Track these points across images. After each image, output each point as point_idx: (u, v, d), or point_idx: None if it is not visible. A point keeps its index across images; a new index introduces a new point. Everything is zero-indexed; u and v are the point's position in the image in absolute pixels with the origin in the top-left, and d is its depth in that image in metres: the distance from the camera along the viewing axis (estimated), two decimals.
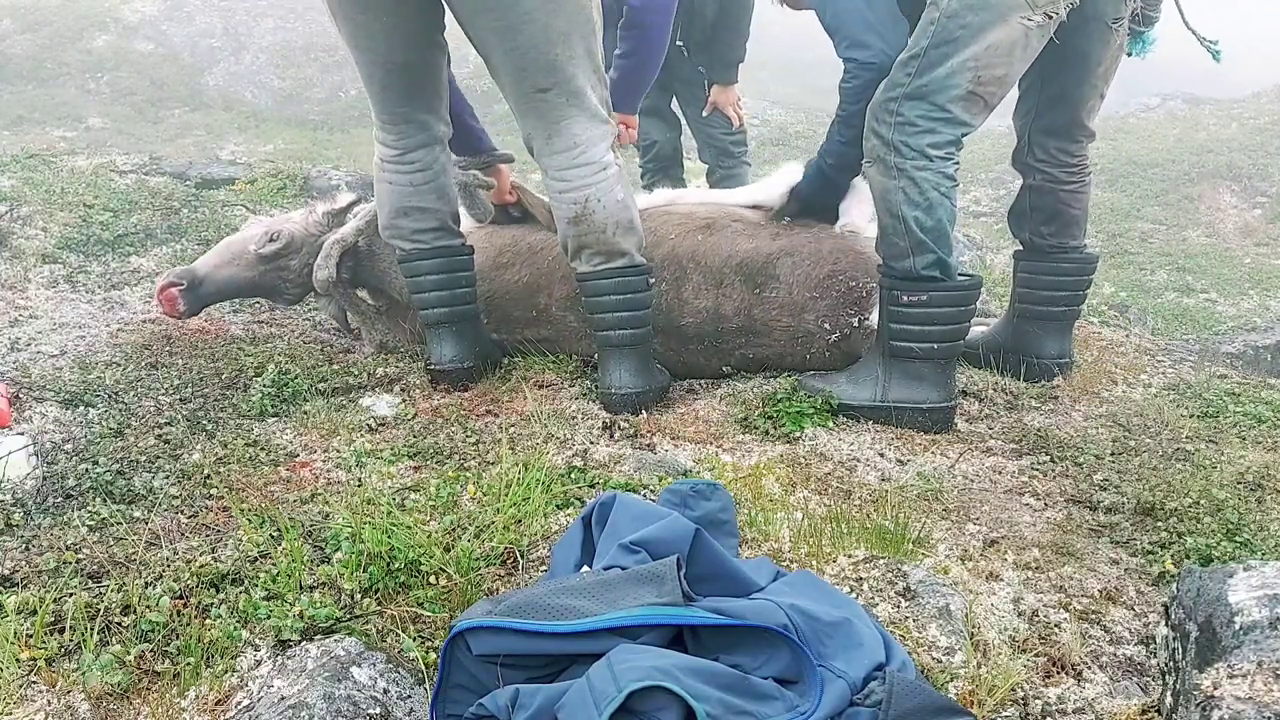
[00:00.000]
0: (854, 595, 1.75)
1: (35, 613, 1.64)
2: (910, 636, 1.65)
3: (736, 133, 4.57)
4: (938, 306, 2.62)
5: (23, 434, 2.29)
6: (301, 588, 1.74)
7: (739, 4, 4.23)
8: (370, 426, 2.61)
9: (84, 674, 1.52)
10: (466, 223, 3.21)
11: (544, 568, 1.88)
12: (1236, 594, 1.34)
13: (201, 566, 1.81)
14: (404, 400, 2.82)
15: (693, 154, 5.02)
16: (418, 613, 1.71)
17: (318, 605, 1.65)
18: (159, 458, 2.33)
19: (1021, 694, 1.56)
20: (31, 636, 1.60)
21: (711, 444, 2.57)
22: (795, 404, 2.71)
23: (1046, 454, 2.57)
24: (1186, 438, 2.67)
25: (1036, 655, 1.68)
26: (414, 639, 1.65)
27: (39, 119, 8.22)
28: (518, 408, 2.75)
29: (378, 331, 3.30)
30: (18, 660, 1.54)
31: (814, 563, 1.89)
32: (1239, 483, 2.34)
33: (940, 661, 1.60)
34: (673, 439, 2.59)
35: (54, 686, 1.52)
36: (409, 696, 1.51)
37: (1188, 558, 1.99)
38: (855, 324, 2.93)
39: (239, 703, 1.48)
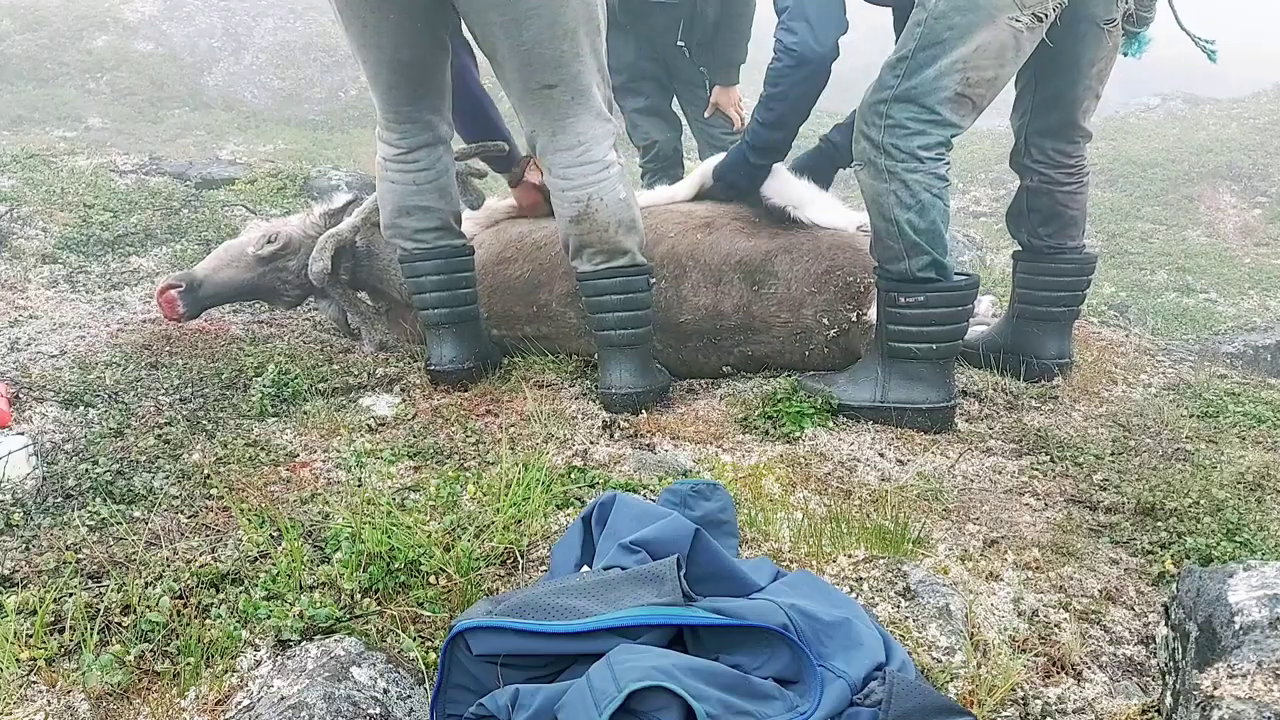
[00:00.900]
0: (854, 595, 1.75)
1: (35, 613, 1.64)
2: (910, 636, 1.65)
3: (737, 133, 4.57)
4: (935, 307, 2.62)
5: (23, 434, 2.29)
6: (301, 588, 1.74)
7: (741, 5, 4.23)
8: (370, 426, 2.61)
9: (84, 674, 1.52)
10: (468, 223, 3.21)
11: (544, 568, 1.88)
12: (1236, 594, 1.34)
13: (201, 566, 1.81)
14: (404, 400, 2.82)
15: (693, 154, 5.02)
16: (418, 613, 1.71)
17: (318, 605, 1.65)
18: (159, 458, 2.33)
19: (1021, 694, 1.56)
20: (31, 636, 1.60)
21: (711, 444, 2.57)
22: (795, 404, 2.71)
23: (1046, 454, 2.57)
24: (1186, 438, 2.67)
25: (1036, 655, 1.68)
26: (414, 639, 1.65)
27: (39, 119, 8.22)
28: (518, 408, 2.75)
29: (378, 332, 3.30)
30: (18, 660, 1.54)
31: (814, 563, 1.89)
32: (1239, 483, 2.34)
33: (940, 661, 1.60)
34: (673, 439, 2.59)
35: (54, 686, 1.52)
36: (409, 696, 1.51)
37: (1188, 558, 1.99)
38: (854, 319, 2.93)
39: (239, 703, 1.48)
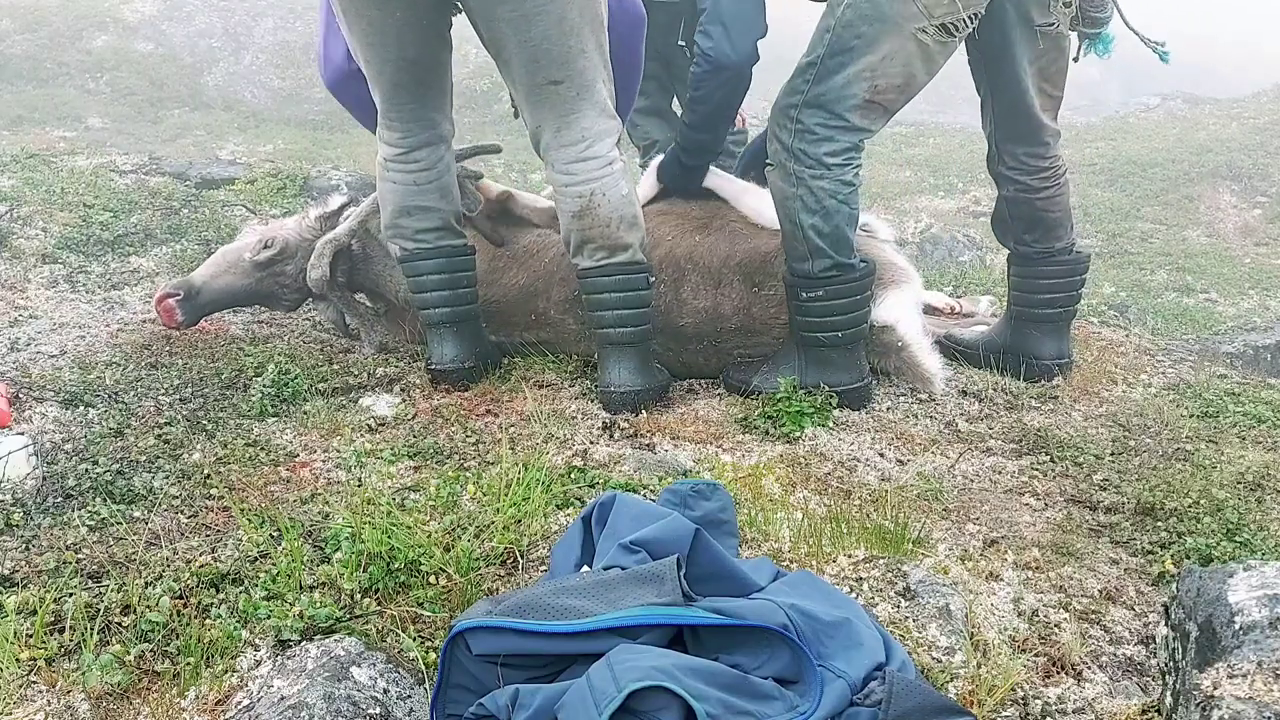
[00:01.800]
0: (854, 595, 1.75)
1: (35, 613, 1.64)
2: (910, 636, 1.65)
3: (737, 133, 4.56)
4: (836, 299, 2.73)
5: (23, 434, 2.29)
6: (301, 588, 1.74)
7: None
8: (370, 426, 2.61)
9: (84, 674, 1.52)
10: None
11: (544, 568, 1.88)
12: (1236, 594, 1.34)
13: (201, 566, 1.81)
14: (404, 400, 2.82)
15: None
16: (418, 613, 1.71)
17: (318, 605, 1.65)
18: (159, 458, 2.33)
19: (1021, 694, 1.56)
20: (31, 636, 1.60)
21: (711, 444, 2.57)
22: (795, 404, 2.71)
23: (1046, 454, 2.57)
24: (1186, 438, 2.67)
25: (1036, 655, 1.68)
26: (414, 639, 1.65)
27: (39, 119, 8.21)
28: (518, 408, 2.75)
29: (377, 333, 3.30)
30: (18, 660, 1.54)
31: (814, 563, 1.89)
32: (1239, 483, 2.34)
33: (940, 661, 1.60)
34: (673, 439, 2.59)
35: (54, 686, 1.52)
36: (409, 696, 1.51)
37: (1188, 558, 1.99)
38: None
39: (239, 703, 1.48)
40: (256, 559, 1.86)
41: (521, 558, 1.92)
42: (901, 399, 2.93)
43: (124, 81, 9.59)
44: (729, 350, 3.02)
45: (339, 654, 1.53)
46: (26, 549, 1.88)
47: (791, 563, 1.91)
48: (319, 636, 1.61)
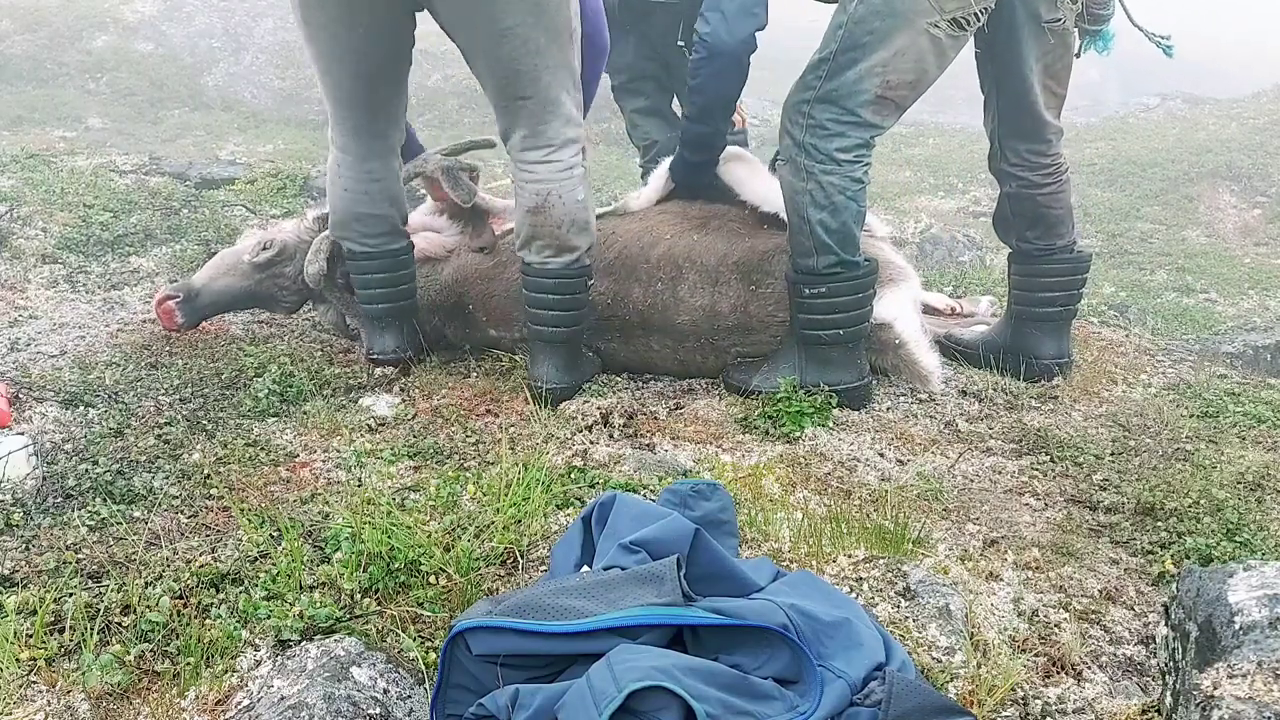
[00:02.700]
0: (854, 595, 1.75)
1: (35, 613, 1.64)
2: (910, 636, 1.65)
3: (738, 133, 4.55)
4: (838, 296, 2.73)
5: (23, 434, 2.29)
6: (301, 588, 1.74)
7: None
8: (370, 426, 2.61)
9: (84, 674, 1.52)
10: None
11: (544, 568, 1.88)
12: (1236, 594, 1.34)
13: (201, 566, 1.81)
14: (404, 400, 2.82)
15: None
16: (418, 613, 1.71)
17: (318, 605, 1.65)
18: (159, 458, 2.33)
19: (1021, 694, 1.56)
20: (31, 636, 1.60)
21: (711, 444, 2.57)
22: (795, 404, 2.71)
23: (1046, 454, 2.57)
24: (1186, 438, 2.67)
25: (1036, 655, 1.68)
26: (414, 639, 1.65)
27: (39, 119, 8.20)
28: (518, 408, 2.75)
29: None
30: (18, 660, 1.54)
31: (814, 563, 1.89)
32: (1239, 483, 2.34)
33: (940, 661, 1.60)
34: (673, 439, 2.59)
35: (54, 686, 1.52)
36: (409, 696, 1.51)
37: (1188, 558, 1.99)
38: None
39: (239, 703, 1.49)
40: (256, 559, 1.86)
41: (521, 558, 1.92)
42: (901, 399, 2.93)
43: (124, 82, 9.59)
44: (726, 348, 3.02)
45: (339, 654, 1.53)
46: (26, 549, 1.88)
47: (791, 563, 1.91)
48: (319, 636, 1.61)
